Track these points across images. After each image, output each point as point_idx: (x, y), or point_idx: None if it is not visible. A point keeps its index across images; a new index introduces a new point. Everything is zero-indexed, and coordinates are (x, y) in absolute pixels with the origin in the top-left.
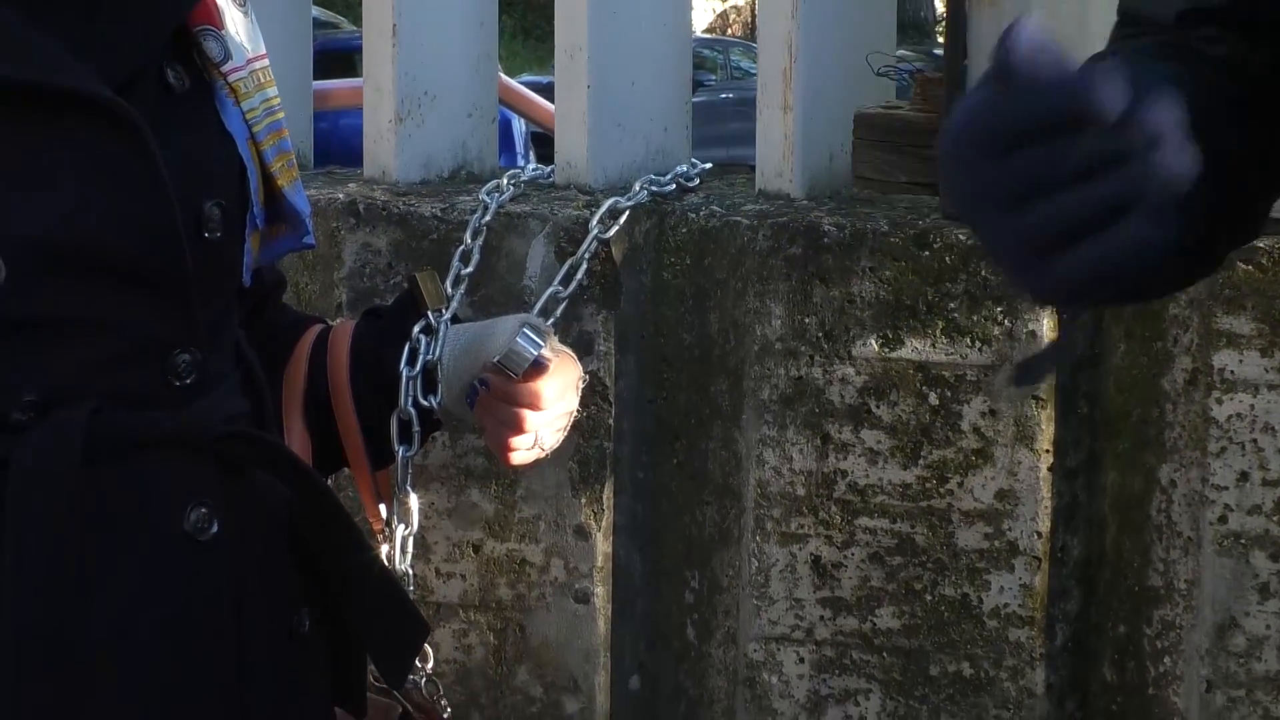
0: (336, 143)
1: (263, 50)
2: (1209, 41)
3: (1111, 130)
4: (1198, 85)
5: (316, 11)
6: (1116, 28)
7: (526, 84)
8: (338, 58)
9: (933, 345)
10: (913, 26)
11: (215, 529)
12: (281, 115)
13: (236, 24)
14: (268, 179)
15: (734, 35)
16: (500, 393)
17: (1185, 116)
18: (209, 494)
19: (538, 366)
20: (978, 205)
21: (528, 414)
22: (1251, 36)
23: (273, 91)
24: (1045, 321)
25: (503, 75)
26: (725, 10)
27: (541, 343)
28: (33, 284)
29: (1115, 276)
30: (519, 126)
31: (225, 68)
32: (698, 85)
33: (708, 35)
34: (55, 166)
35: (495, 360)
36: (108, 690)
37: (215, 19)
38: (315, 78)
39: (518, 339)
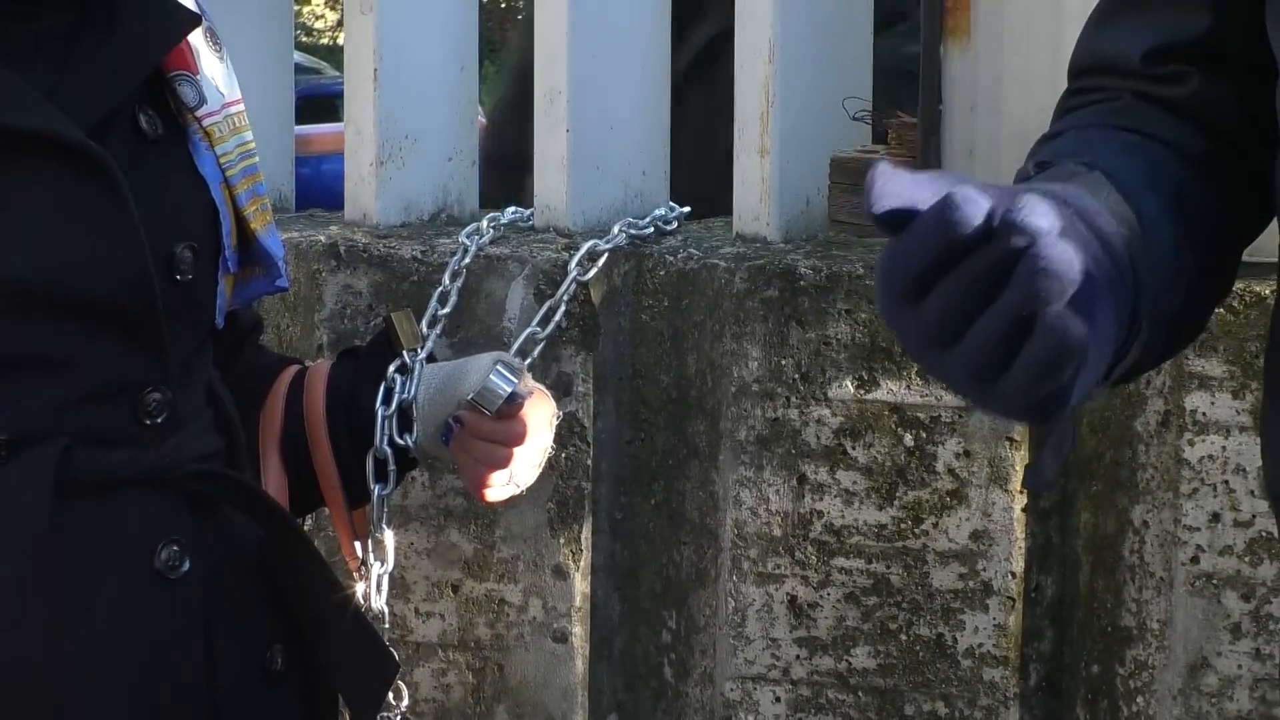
0: (319, 188)
1: (238, 95)
2: (1175, 79)
3: (993, 243)
4: (1148, 158)
5: (299, 57)
6: (1068, 92)
7: None
8: (320, 103)
9: (908, 387)
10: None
11: (186, 567)
12: (256, 159)
13: (212, 69)
14: (241, 222)
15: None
16: (475, 430)
17: (1061, 207)
18: (180, 532)
19: (511, 403)
20: (921, 350)
21: (502, 451)
22: (1219, 72)
23: (248, 136)
24: None
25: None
26: None
27: (515, 380)
28: (3, 324)
29: (1058, 374)
30: None
31: (200, 112)
32: None
33: None
34: (27, 208)
35: (469, 397)
36: None
37: (190, 64)
38: (298, 123)
39: (491, 376)
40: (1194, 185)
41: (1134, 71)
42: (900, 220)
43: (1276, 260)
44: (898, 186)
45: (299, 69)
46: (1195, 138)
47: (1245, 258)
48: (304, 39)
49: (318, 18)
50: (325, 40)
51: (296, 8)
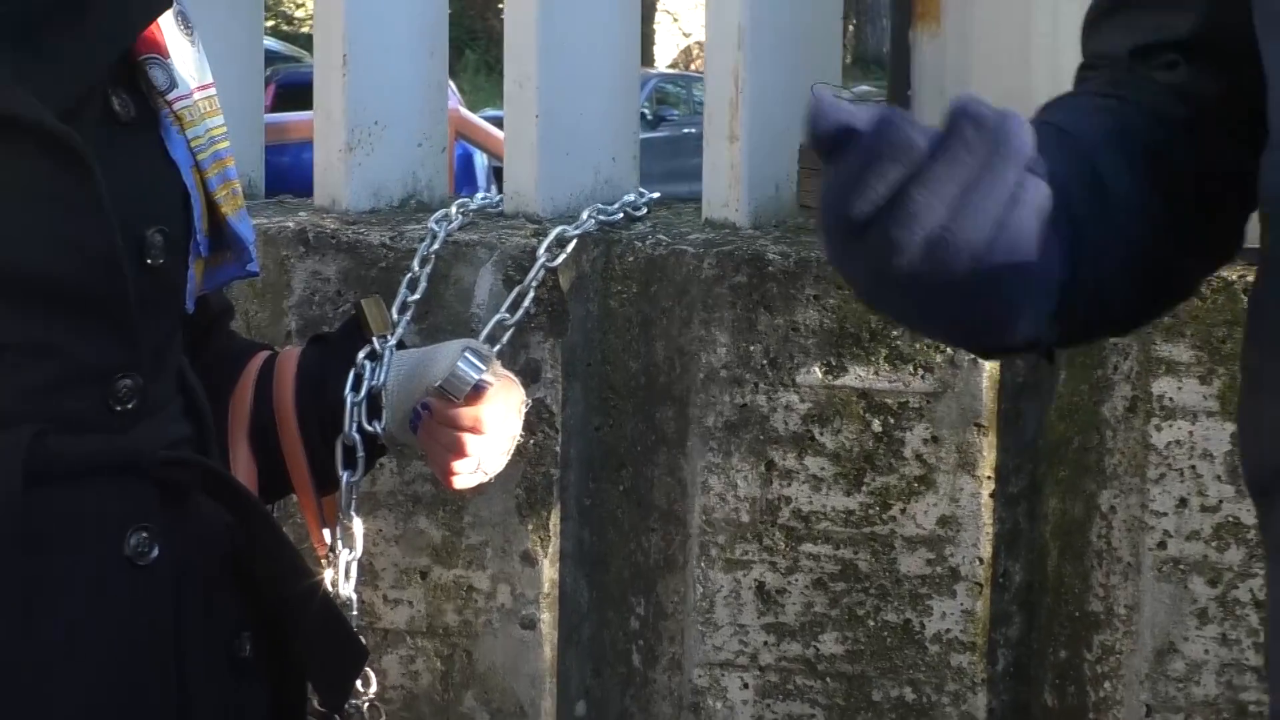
0: (297, 175)
1: (209, 79)
2: (1165, 67)
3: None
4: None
5: (279, 45)
6: (1079, 70)
7: (489, 119)
8: (299, 91)
9: (876, 373)
10: (874, 61)
11: (156, 553)
12: (227, 144)
13: (183, 53)
14: (212, 207)
15: (697, 70)
16: (442, 416)
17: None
18: (150, 518)
19: (479, 390)
20: (874, 281)
21: (470, 438)
22: (1209, 63)
23: (218, 121)
24: None
25: (465, 110)
26: (689, 46)
27: (483, 367)
28: None
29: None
30: (481, 161)
31: (170, 96)
32: (660, 120)
33: (671, 70)
34: None
35: (437, 384)
36: (47, 712)
37: (161, 48)
38: (277, 110)
39: (459, 363)
40: (1170, 141)
41: (1123, 62)
42: (838, 140)
43: (1258, 248)
44: (838, 109)
45: (279, 57)
46: (1179, 104)
47: None
48: (284, 28)
49: (298, 6)
50: (305, 29)
51: None
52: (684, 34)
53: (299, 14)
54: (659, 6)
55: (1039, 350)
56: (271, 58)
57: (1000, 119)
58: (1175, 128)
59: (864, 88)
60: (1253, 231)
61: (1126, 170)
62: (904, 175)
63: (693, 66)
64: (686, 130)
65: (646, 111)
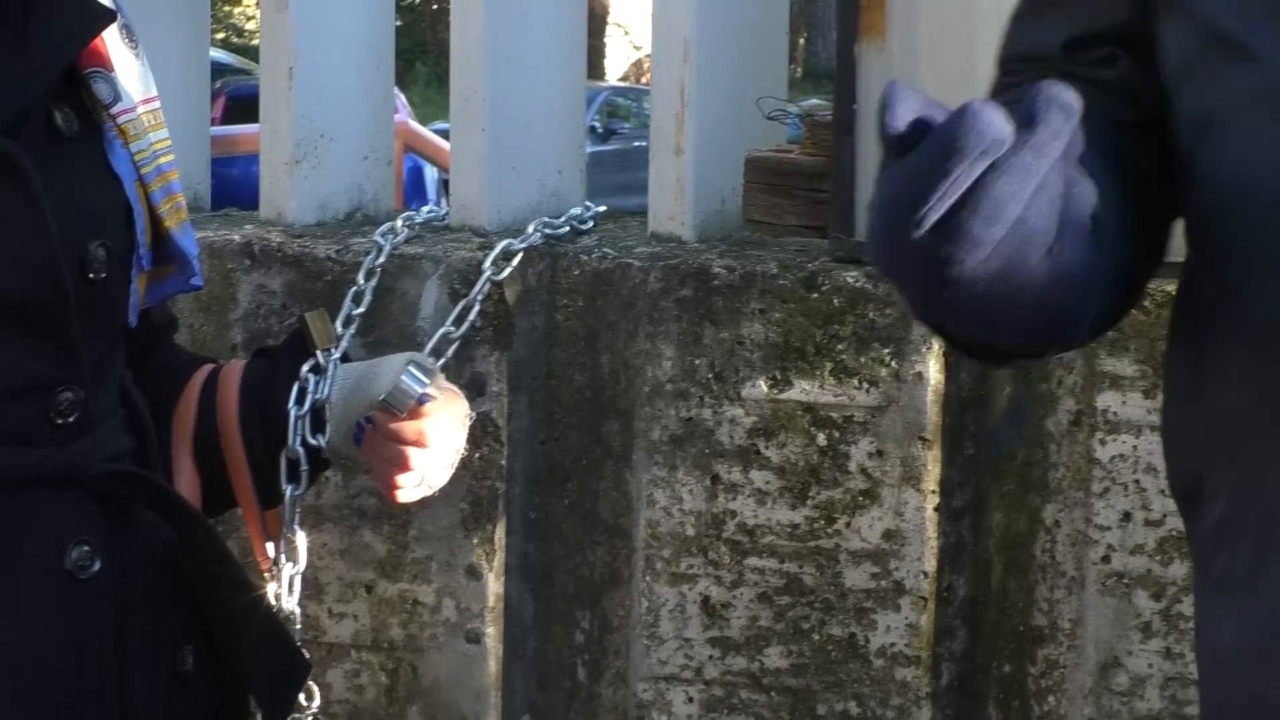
0: (247, 189)
1: (154, 93)
2: (1102, 63)
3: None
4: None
5: (229, 58)
6: (997, 79)
7: (440, 132)
8: (249, 104)
9: (821, 386)
10: (825, 75)
11: (97, 567)
12: (171, 158)
13: (127, 66)
14: (155, 220)
15: (648, 84)
16: (386, 430)
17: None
18: (91, 532)
19: (422, 404)
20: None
21: (413, 451)
22: (1147, 59)
23: (162, 134)
24: (932, 364)
25: (415, 124)
26: (640, 59)
27: (427, 380)
28: None
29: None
30: (431, 174)
31: (114, 109)
32: (611, 133)
33: (622, 84)
34: None
35: (381, 398)
36: None
37: (105, 61)
38: (227, 123)
39: (403, 377)
40: (1123, 145)
41: (1057, 60)
42: (913, 137)
43: (1182, 261)
44: (914, 103)
45: (229, 70)
46: (1124, 108)
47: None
48: (234, 40)
49: (248, 19)
50: (256, 41)
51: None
52: (635, 47)
53: (249, 26)
54: (610, 20)
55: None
56: (222, 70)
57: (1077, 103)
58: (1127, 131)
59: (813, 101)
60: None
61: (1105, 175)
62: (985, 166)
63: (643, 80)
64: (637, 143)
65: (597, 125)
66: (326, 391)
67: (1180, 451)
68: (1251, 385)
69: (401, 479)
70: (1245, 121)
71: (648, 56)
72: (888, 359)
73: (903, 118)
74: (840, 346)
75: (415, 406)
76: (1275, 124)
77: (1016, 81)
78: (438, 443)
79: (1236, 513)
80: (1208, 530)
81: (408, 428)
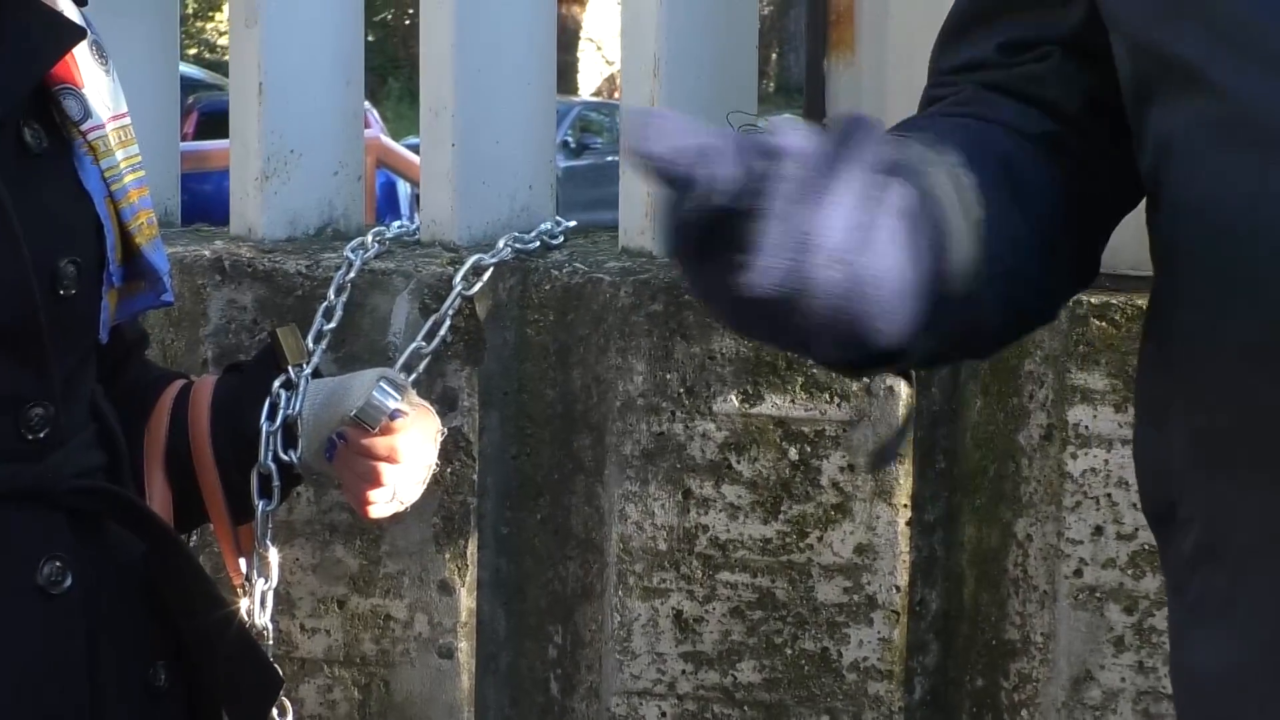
0: (219, 204)
1: (124, 109)
2: (1037, 59)
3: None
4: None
5: (201, 73)
6: (928, 90)
7: (412, 147)
8: (222, 119)
9: (792, 401)
10: (797, 90)
11: (69, 583)
12: (142, 173)
13: (97, 83)
14: (126, 237)
15: (620, 99)
16: (357, 446)
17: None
18: (62, 548)
19: (394, 419)
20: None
21: (385, 467)
22: (1082, 60)
23: (133, 150)
24: (902, 381)
25: (387, 139)
26: (613, 74)
27: (398, 396)
28: None
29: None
30: (404, 189)
31: (84, 126)
32: (584, 148)
33: (595, 99)
34: None
35: (352, 413)
36: None
37: (75, 78)
38: (199, 138)
39: (374, 392)
40: (1029, 158)
41: (990, 64)
42: (673, 167)
43: (1151, 275)
44: (671, 130)
45: (201, 85)
46: (1037, 119)
47: (1128, 270)
48: (206, 55)
49: (220, 34)
50: (228, 57)
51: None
52: (608, 62)
53: (221, 41)
54: (583, 35)
55: (900, 367)
56: (194, 85)
57: (854, 119)
58: (1035, 143)
59: (785, 115)
60: (1138, 257)
61: (990, 186)
62: (760, 183)
63: (616, 95)
64: (610, 158)
65: (570, 140)
66: (298, 407)
67: (1153, 475)
68: (1225, 411)
69: (373, 494)
70: (1211, 153)
71: (620, 72)
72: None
73: (662, 149)
74: (811, 361)
75: (387, 422)
76: (1241, 155)
77: (941, 95)
78: (409, 458)
79: (1210, 541)
80: (1182, 556)
81: (379, 443)
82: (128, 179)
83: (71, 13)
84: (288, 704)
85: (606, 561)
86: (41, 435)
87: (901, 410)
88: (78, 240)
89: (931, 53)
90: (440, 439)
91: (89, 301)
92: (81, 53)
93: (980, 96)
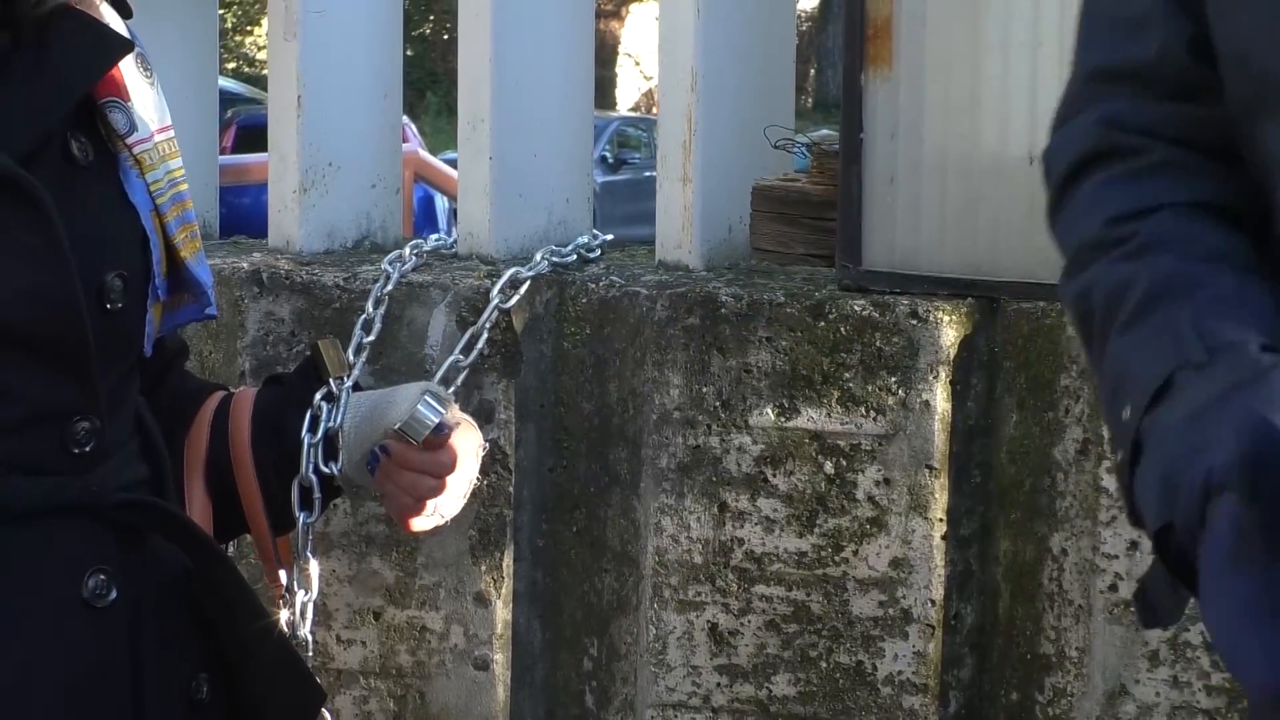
0: (259, 217)
1: (168, 121)
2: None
3: None
4: None
5: (240, 87)
6: (1079, 88)
7: (450, 161)
8: (261, 132)
9: (828, 414)
10: (835, 105)
11: (113, 595)
12: (185, 186)
13: (143, 95)
14: (170, 250)
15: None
16: (401, 460)
17: None
18: (107, 560)
19: (438, 434)
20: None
21: (428, 481)
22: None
23: (177, 163)
24: (939, 392)
25: (425, 153)
26: (651, 89)
27: (442, 410)
28: None
29: None
30: (442, 203)
31: (130, 139)
32: (622, 163)
33: (633, 114)
34: None
35: (396, 427)
36: None
37: (121, 91)
38: (238, 152)
39: (419, 406)
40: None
41: (1147, 75)
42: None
43: None
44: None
45: (240, 99)
46: (1233, 186)
47: None
48: (245, 69)
49: (259, 48)
50: (267, 71)
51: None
52: (646, 77)
53: (260, 55)
54: (621, 50)
55: None
56: (233, 99)
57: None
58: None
59: (824, 131)
60: None
61: None
62: None
63: (654, 110)
64: (648, 173)
65: (608, 155)
66: (340, 419)
67: None
68: None
69: (415, 508)
70: None
71: (658, 86)
72: (895, 387)
73: None
74: (847, 374)
75: (431, 436)
76: None
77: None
78: (452, 473)
79: None
80: None
81: (424, 458)
82: (173, 192)
83: (118, 25)
84: (327, 715)
85: (642, 574)
86: (87, 449)
87: (936, 424)
88: (124, 253)
89: (1077, 46)
90: (483, 454)
91: (135, 315)
92: (128, 65)
93: (1186, 167)
